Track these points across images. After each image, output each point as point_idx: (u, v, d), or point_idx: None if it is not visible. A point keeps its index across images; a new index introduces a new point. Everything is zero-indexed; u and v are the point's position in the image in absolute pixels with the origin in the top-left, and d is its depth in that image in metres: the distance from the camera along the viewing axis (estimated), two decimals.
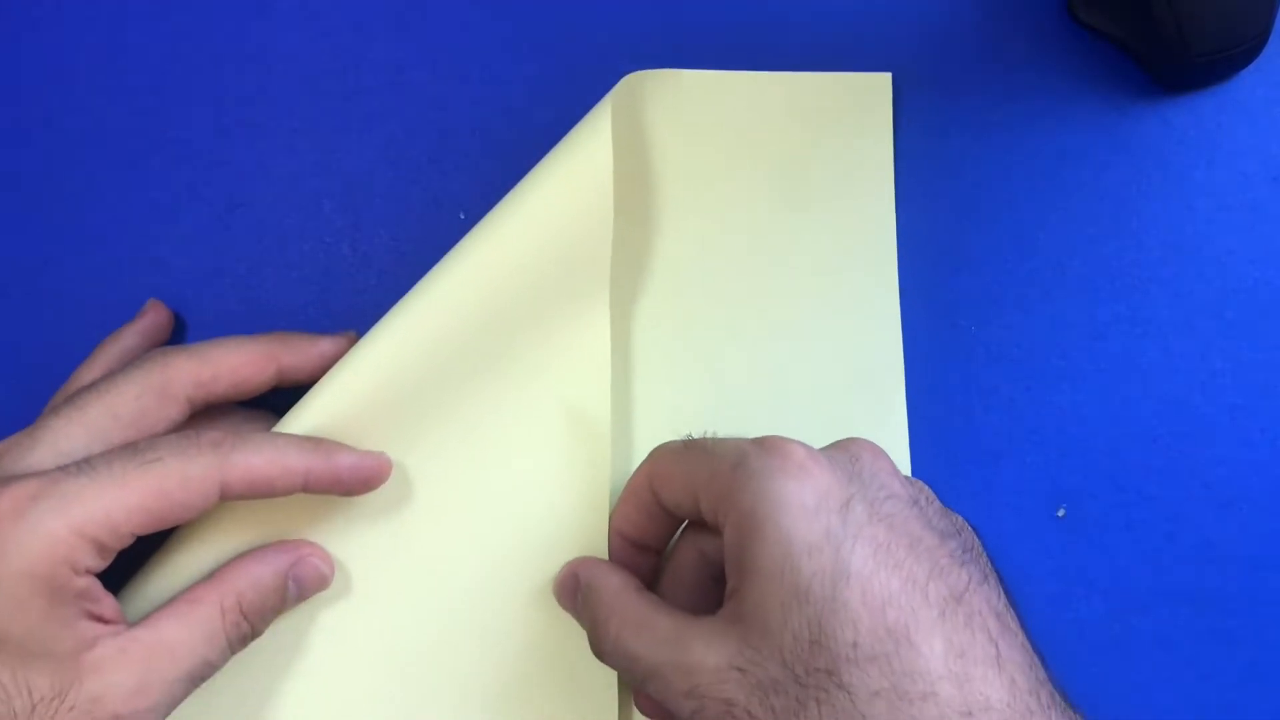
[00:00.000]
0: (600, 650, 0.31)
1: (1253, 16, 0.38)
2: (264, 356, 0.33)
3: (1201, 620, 0.36)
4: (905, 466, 0.37)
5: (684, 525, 0.33)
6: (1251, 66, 0.40)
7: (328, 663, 0.34)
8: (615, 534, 0.34)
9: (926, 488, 0.31)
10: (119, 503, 0.28)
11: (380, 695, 0.34)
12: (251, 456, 0.30)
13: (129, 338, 0.36)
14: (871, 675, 0.25)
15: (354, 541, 0.34)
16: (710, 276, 0.38)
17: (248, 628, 0.31)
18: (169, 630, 0.29)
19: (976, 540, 0.30)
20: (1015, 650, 0.27)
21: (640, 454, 0.35)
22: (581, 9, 0.40)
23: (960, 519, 0.30)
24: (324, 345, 0.34)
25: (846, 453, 0.30)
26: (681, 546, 0.33)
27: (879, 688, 0.25)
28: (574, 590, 0.33)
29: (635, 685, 0.32)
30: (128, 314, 0.37)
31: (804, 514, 0.27)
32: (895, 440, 0.37)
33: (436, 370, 0.34)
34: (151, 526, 0.29)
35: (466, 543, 0.35)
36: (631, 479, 0.33)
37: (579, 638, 0.33)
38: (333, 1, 0.40)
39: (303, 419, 0.33)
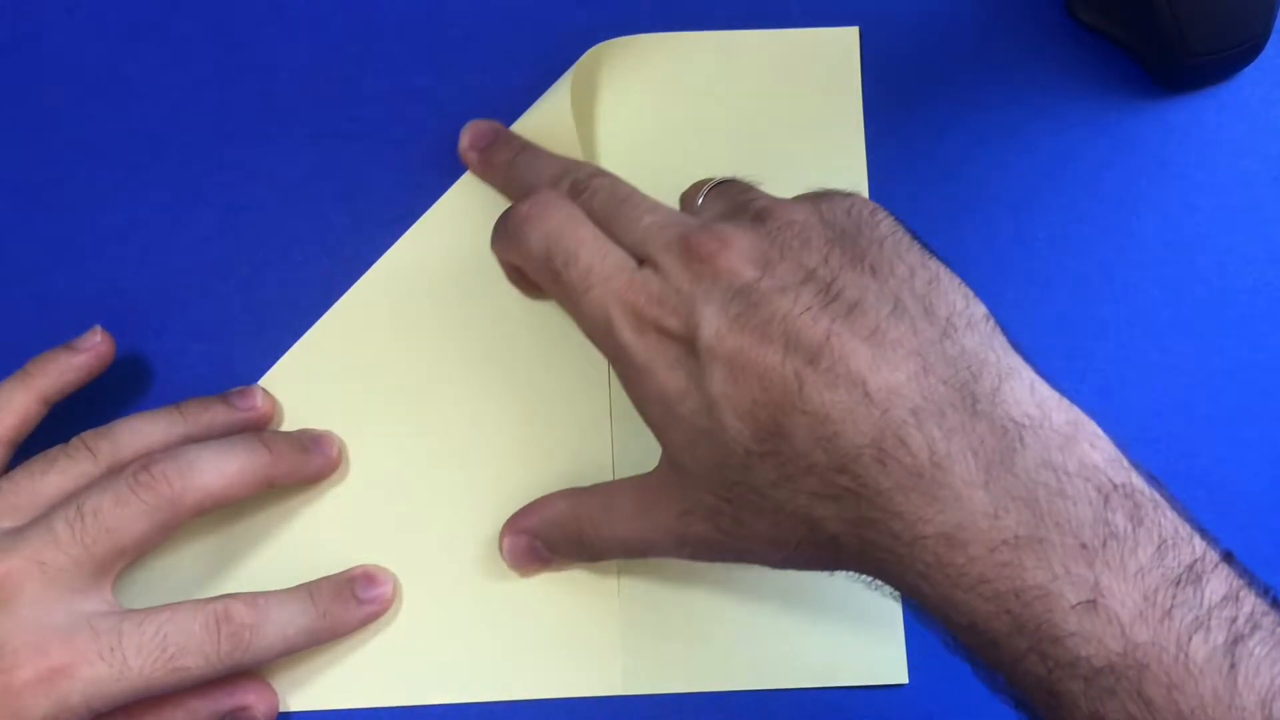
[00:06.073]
0: (596, 555, 0.34)
1: (1252, 16, 0.38)
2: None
3: None
4: None
5: None
6: (1251, 66, 0.40)
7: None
8: None
9: (830, 201, 0.31)
10: (129, 689, 0.30)
11: (381, 650, 0.35)
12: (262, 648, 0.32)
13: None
14: (768, 468, 0.27)
15: (340, 491, 0.36)
16: None
17: None
18: None
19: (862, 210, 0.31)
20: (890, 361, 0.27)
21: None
22: (582, 13, 0.40)
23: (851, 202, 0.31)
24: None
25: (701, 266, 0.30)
26: None
27: (774, 479, 0.28)
28: (529, 549, 0.34)
29: (641, 558, 0.34)
30: (130, 315, 0.37)
31: (667, 375, 0.29)
32: None
33: (418, 332, 0.37)
34: None
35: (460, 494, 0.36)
36: None
37: (574, 590, 0.35)
38: (336, 6, 0.40)
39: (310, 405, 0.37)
